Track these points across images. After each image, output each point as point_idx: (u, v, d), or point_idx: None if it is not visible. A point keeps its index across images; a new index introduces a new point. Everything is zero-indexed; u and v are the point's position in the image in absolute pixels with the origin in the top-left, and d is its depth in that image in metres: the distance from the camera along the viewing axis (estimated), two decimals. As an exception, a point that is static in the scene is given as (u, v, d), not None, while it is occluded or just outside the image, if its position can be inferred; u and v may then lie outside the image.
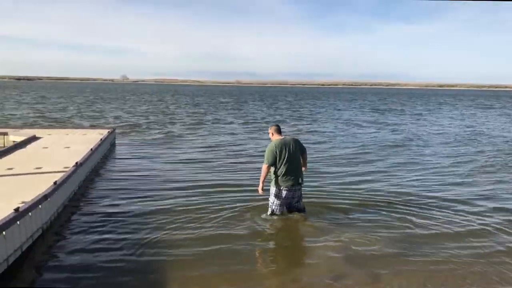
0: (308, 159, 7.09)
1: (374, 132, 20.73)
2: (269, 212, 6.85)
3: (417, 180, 10.10)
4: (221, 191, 8.50)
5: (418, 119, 29.55)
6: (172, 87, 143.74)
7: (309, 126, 23.49)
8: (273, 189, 6.73)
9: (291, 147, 6.61)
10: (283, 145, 6.57)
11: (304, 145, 6.92)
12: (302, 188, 6.94)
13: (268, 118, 28.52)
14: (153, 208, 7.31)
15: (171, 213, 7.01)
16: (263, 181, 6.67)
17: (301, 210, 6.94)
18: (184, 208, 7.33)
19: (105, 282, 4.75)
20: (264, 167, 6.62)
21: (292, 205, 6.85)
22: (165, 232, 6.20)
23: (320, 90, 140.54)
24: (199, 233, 6.17)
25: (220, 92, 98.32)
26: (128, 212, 7.08)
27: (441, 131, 21.69)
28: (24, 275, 4.88)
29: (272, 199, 6.79)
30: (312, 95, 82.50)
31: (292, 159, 6.59)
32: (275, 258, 5.68)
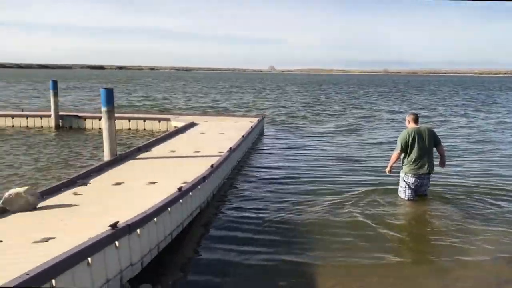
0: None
1: None
2: (400, 197, 7.03)
3: None
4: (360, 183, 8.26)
5: None
6: (319, 77, 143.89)
7: None
8: (402, 175, 6.97)
9: (424, 136, 6.70)
10: (416, 134, 6.69)
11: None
12: (432, 176, 6.99)
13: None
14: (298, 195, 7.39)
15: (316, 202, 7.00)
16: (391, 166, 6.95)
17: (425, 195, 7.03)
18: (327, 196, 7.28)
19: (255, 257, 4.94)
20: (395, 153, 6.90)
21: (419, 191, 6.93)
22: (310, 218, 6.24)
23: (489, 80, 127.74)
24: (339, 223, 6.11)
25: (373, 81, 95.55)
26: (275, 196, 7.26)
27: None
28: (185, 249, 5.29)
29: (401, 183, 7.00)
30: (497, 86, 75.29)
31: (422, 148, 6.68)
32: (427, 253, 5.28)
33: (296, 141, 13.73)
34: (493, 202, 6.98)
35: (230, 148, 8.77)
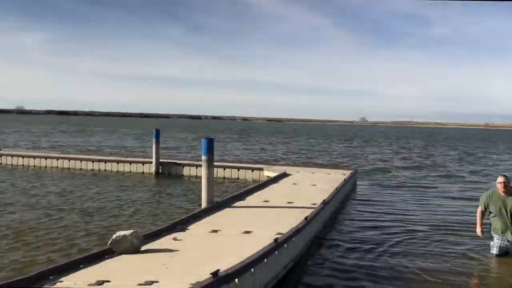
0: None
1: None
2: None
3: None
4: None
5: None
6: (417, 130, 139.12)
7: None
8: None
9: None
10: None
11: None
12: None
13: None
14: (395, 249, 7.05)
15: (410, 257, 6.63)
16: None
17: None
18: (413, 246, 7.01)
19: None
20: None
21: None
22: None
23: None
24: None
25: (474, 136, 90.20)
26: (372, 253, 6.97)
27: None
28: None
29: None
30: None
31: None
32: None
33: (391, 194, 13.23)
34: None
35: (324, 201, 8.66)
